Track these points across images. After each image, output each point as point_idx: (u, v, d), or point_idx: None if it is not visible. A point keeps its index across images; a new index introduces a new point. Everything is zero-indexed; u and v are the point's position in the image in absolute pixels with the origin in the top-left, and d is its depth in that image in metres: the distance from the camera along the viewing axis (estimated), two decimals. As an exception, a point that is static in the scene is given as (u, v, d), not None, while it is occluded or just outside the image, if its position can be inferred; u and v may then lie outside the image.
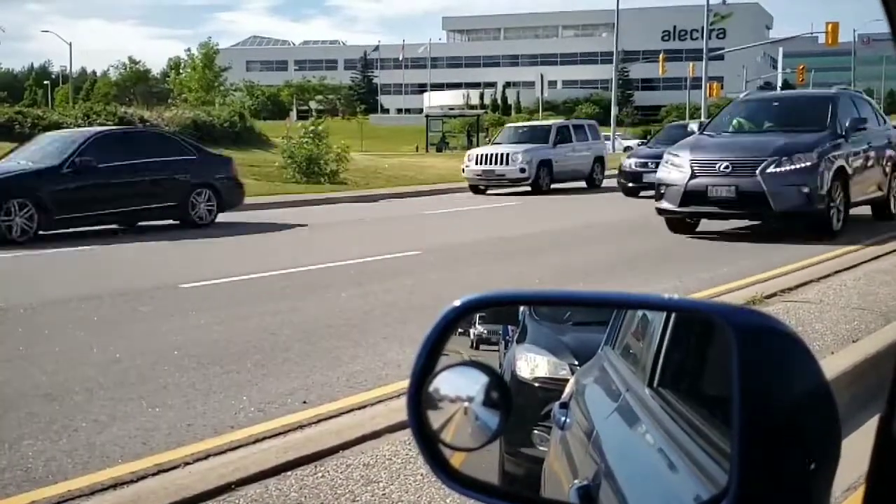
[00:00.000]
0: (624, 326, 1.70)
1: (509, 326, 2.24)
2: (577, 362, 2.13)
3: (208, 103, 57.88)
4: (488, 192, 24.81)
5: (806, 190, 11.51)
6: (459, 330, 1.83)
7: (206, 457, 4.10)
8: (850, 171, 12.29)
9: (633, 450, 1.33)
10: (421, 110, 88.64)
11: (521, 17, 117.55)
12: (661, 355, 1.35)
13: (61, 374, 5.68)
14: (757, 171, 11.62)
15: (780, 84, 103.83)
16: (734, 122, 13.56)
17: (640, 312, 1.54)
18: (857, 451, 1.12)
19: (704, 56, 48.29)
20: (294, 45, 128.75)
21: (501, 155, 24.28)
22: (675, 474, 1.12)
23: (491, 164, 24.37)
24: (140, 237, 14.41)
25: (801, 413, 0.90)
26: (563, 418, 1.69)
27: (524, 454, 1.85)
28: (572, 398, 1.78)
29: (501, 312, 2.20)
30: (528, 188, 24.21)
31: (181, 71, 76.15)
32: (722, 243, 12.09)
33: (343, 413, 4.75)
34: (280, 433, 4.43)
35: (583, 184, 25.90)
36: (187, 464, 4.02)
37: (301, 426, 4.54)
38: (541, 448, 1.79)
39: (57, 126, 32.12)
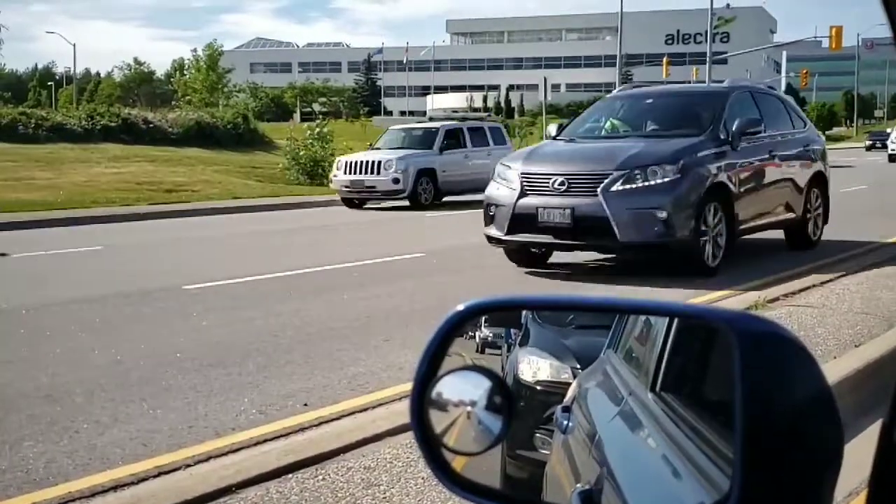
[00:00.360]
0: (626, 330, 1.69)
1: (512, 329, 2.24)
2: (579, 366, 2.13)
3: (212, 105, 58.02)
4: (365, 206, 21.12)
5: (662, 214, 8.76)
6: (469, 333, 1.84)
7: (207, 459, 4.10)
8: (735, 187, 9.56)
9: (635, 454, 1.33)
10: (424, 113, 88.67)
11: (525, 21, 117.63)
12: (664, 360, 1.35)
13: (63, 376, 5.68)
14: (598, 190, 8.89)
15: (783, 87, 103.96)
16: (607, 124, 10.94)
17: (642, 317, 1.54)
18: (859, 456, 1.12)
19: (708, 60, 48.27)
20: (298, 47, 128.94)
21: (372, 163, 20.30)
22: (677, 479, 1.12)
23: (360, 173, 20.36)
24: (143, 237, 14.45)
25: (804, 418, 0.90)
26: (565, 422, 1.68)
27: (526, 457, 1.85)
28: (574, 402, 1.78)
29: (504, 316, 2.20)
30: (407, 202, 20.46)
31: (185, 72, 76.27)
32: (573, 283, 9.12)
33: (344, 416, 4.75)
34: (281, 435, 4.43)
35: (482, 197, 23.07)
36: (188, 466, 4.02)
37: (302, 428, 4.54)
38: (543, 451, 1.78)
39: (60, 127, 32.27)
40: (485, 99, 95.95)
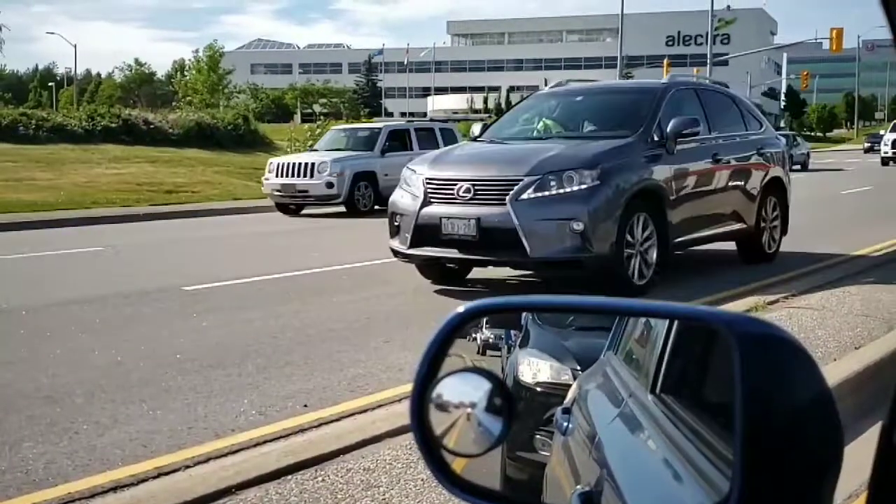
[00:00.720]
0: (627, 332, 1.70)
1: (512, 331, 2.24)
2: (579, 367, 2.13)
3: (213, 106, 58.03)
4: (303, 211, 19.69)
5: (578, 226, 7.79)
6: (472, 335, 1.84)
7: (207, 460, 4.10)
8: (669, 195, 8.62)
9: (635, 456, 1.33)
10: (425, 114, 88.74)
11: (526, 22, 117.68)
12: (664, 361, 1.35)
13: (63, 377, 5.68)
14: (507, 198, 7.95)
15: (784, 89, 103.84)
16: (540, 124, 9.91)
17: (643, 318, 1.54)
18: (859, 458, 1.12)
19: (709, 61, 48.32)
20: (298, 48, 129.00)
21: (305, 165, 18.82)
22: (677, 480, 1.12)
23: (292, 176, 18.89)
24: (141, 238, 14.45)
25: (803, 420, 0.90)
26: (565, 423, 1.68)
27: (526, 459, 1.85)
28: (575, 403, 1.78)
29: (504, 318, 2.20)
30: (343, 208, 19.03)
31: (186, 73, 76.31)
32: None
33: (344, 417, 4.75)
34: (281, 437, 4.43)
35: None
36: (188, 467, 4.02)
37: (302, 430, 4.54)
38: (543, 453, 1.78)
39: (61, 128, 32.28)
40: (485, 100, 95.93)
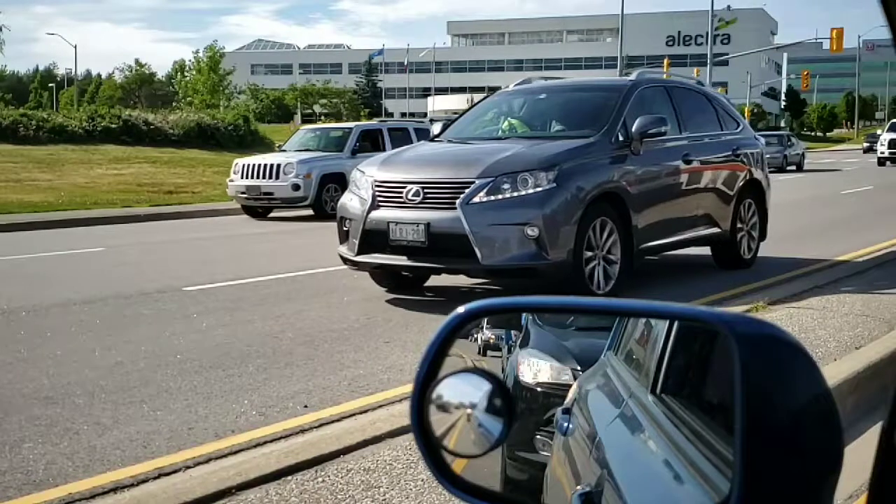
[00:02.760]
0: (627, 332, 1.70)
1: (512, 332, 2.24)
2: (579, 367, 2.13)
3: (213, 106, 58.11)
4: (270, 214, 18.97)
5: (533, 232, 7.35)
6: (473, 336, 1.84)
7: (207, 461, 4.11)
8: (634, 199, 8.13)
9: (635, 456, 1.33)
10: (425, 114, 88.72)
11: (526, 22, 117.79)
12: (664, 362, 1.35)
13: (63, 377, 5.68)
14: (458, 202, 7.49)
15: (784, 89, 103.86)
16: (504, 123, 9.46)
17: (643, 319, 1.54)
18: (859, 458, 1.12)
19: (709, 61, 48.36)
20: (299, 48, 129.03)
21: (271, 166, 18.12)
22: (677, 481, 1.12)
23: (257, 177, 18.22)
24: (142, 237, 14.46)
25: (803, 421, 0.90)
26: (565, 424, 1.68)
27: (526, 459, 1.85)
28: (575, 403, 1.78)
29: (504, 318, 2.20)
30: (311, 211, 18.29)
31: (186, 74, 76.35)
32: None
33: (344, 417, 4.75)
34: (281, 437, 4.44)
35: None
36: (188, 467, 4.02)
37: (302, 430, 4.55)
38: (543, 453, 1.79)
39: (61, 129, 32.31)
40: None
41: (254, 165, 18.42)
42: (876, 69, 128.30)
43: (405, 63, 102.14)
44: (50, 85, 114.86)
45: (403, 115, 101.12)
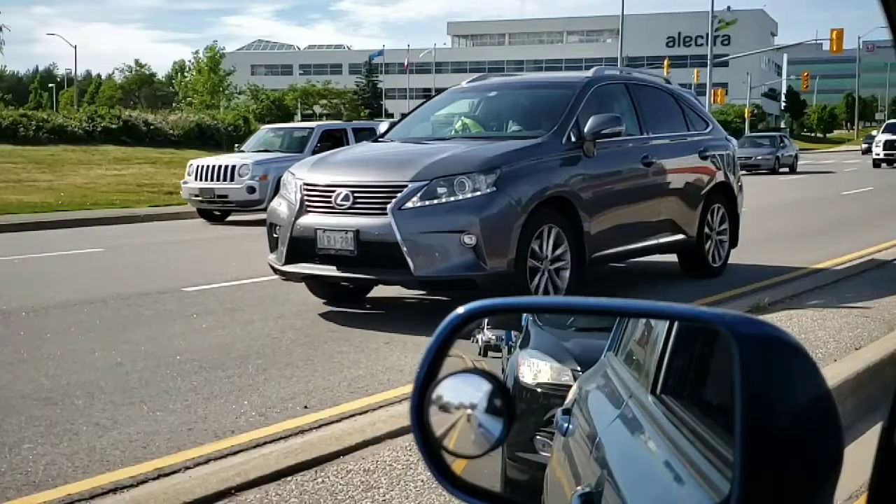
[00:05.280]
0: (627, 333, 1.70)
1: (512, 332, 2.25)
2: (579, 368, 2.13)
3: (213, 107, 58.08)
4: (228, 218, 18.03)
5: (470, 240, 6.79)
6: (474, 336, 1.84)
7: (207, 461, 4.11)
8: (585, 204, 7.57)
9: (635, 457, 1.33)
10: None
11: (526, 23, 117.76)
12: (664, 362, 1.35)
13: (63, 378, 5.68)
14: (389, 207, 6.93)
15: (784, 90, 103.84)
16: (458, 123, 8.86)
17: (643, 319, 1.54)
18: (859, 459, 1.12)
19: (709, 62, 48.38)
20: (299, 49, 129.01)
21: (226, 167, 17.16)
22: (677, 482, 1.12)
23: (211, 179, 17.28)
24: (142, 237, 14.45)
25: (804, 421, 0.90)
26: (565, 424, 1.68)
27: (526, 460, 1.85)
28: (575, 404, 1.78)
29: (505, 319, 2.21)
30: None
31: (186, 74, 76.35)
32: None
33: (344, 418, 4.75)
34: (281, 438, 4.44)
35: None
36: (188, 468, 4.02)
37: (302, 431, 4.55)
38: (543, 454, 1.79)
39: (61, 129, 32.33)
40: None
41: (208, 167, 17.50)
42: (876, 70, 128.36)
43: (405, 64, 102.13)
44: (50, 85, 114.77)
45: (403, 115, 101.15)
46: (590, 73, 8.81)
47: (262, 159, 17.31)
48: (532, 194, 7.12)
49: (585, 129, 7.69)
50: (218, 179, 17.16)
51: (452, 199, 6.89)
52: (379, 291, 8.35)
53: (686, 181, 9.03)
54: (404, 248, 6.80)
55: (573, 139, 7.70)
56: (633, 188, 8.33)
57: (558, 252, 7.32)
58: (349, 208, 7.09)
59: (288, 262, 7.40)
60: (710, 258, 9.37)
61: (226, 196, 17.15)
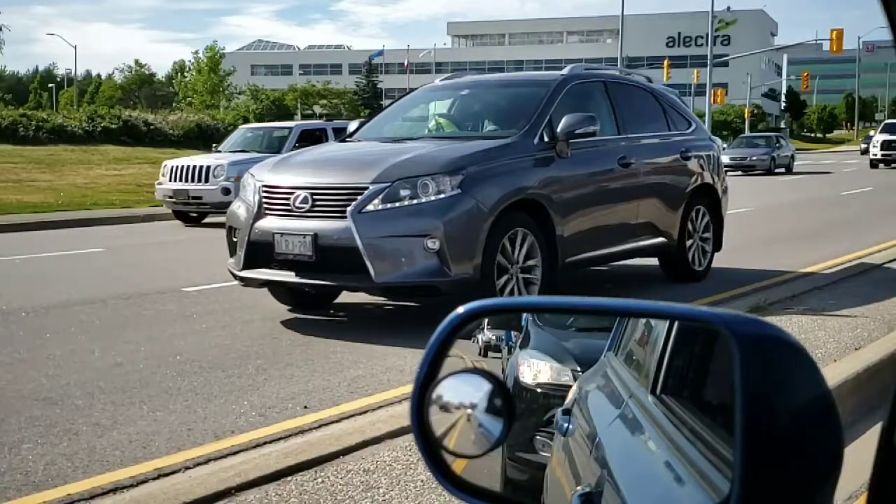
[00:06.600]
0: (627, 333, 1.70)
1: (512, 332, 2.25)
2: (579, 368, 2.13)
3: (213, 107, 58.12)
4: (205, 220, 17.47)
5: (433, 244, 6.52)
6: (474, 336, 1.84)
7: (207, 461, 4.10)
8: (560, 206, 7.31)
9: (635, 457, 1.33)
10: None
11: (526, 23, 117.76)
12: (664, 362, 1.35)
13: (62, 378, 5.68)
14: (349, 210, 6.65)
15: (784, 91, 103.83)
16: (431, 123, 8.63)
17: (643, 319, 1.54)
18: (859, 459, 1.12)
19: (709, 63, 48.35)
20: (299, 49, 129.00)
21: (201, 168, 16.81)
22: (677, 482, 1.12)
23: (186, 180, 16.94)
24: (142, 237, 14.46)
25: (804, 422, 0.90)
26: (565, 424, 1.68)
27: (526, 460, 1.85)
28: (575, 404, 1.78)
29: (505, 319, 2.21)
30: None
31: (186, 74, 76.34)
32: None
33: (344, 418, 4.75)
34: (281, 438, 4.43)
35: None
36: (188, 468, 4.02)
37: (302, 431, 4.54)
38: (543, 454, 1.79)
39: (61, 129, 32.34)
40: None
41: (182, 167, 17.14)
42: (876, 70, 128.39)
43: (405, 64, 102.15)
44: (50, 85, 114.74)
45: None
46: (565, 70, 8.49)
47: (237, 160, 16.80)
48: (500, 196, 6.84)
49: (558, 129, 7.41)
50: (192, 180, 16.83)
51: (415, 201, 6.63)
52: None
53: (666, 183, 8.75)
54: (364, 253, 6.53)
55: (546, 139, 7.43)
56: (609, 190, 8.06)
57: (530, 261, 7.06)
58: (308, 211, 6.83)
59: (246, 267, 7.12)
60: (692, 262, 9.08)
61: (200, 198, 16.82)
